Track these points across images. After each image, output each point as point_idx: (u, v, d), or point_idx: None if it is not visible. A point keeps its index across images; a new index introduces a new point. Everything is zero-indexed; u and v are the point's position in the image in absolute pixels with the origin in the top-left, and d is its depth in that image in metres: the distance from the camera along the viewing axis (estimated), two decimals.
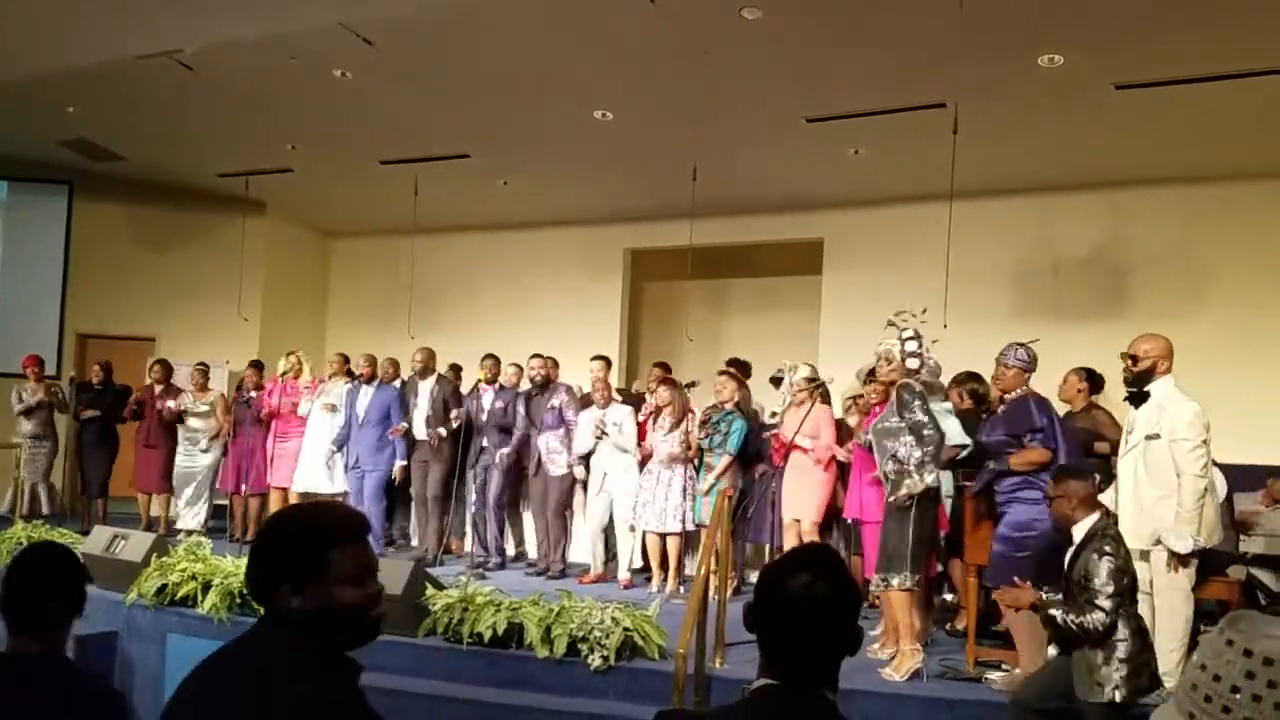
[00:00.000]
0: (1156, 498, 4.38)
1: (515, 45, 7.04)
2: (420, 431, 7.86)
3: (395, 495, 8.19)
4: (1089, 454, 5.48)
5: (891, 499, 4.87)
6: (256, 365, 9.08)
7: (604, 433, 7.24)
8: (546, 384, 7.62)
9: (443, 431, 7.74)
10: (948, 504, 5.54)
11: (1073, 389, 6.04)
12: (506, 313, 10.98)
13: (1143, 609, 4.08)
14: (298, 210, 11.65)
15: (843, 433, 6.56)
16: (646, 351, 11.29)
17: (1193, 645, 4.30)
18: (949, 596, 6.23)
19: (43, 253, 11.10)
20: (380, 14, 6.71)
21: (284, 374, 8.61)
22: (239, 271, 10.71)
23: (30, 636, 2.27)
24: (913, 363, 4.99)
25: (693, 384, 7.43)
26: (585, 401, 7.60)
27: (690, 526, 6.83)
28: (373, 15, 6.72)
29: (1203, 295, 8.38)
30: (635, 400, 7.78)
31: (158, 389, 9.02)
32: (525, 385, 7.78)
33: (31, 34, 7.32)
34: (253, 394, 8.80)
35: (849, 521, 6.17)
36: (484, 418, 7.68)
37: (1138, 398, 4.50)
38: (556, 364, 8.00)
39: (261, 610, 1.72)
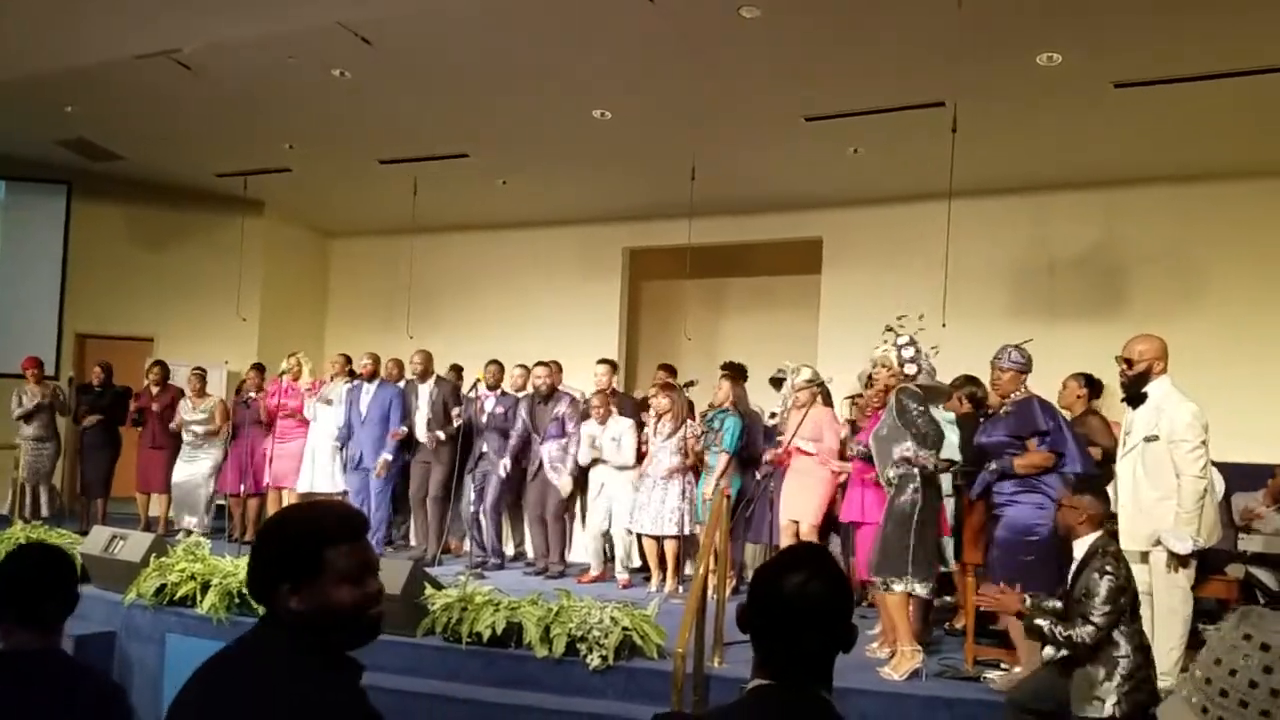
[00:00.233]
0: (1156, 499, 4.38)
1: (514, 45, 7.04)
2: (421, 434, 7.86)
3: (397, 496, 8.19)
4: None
5: (893, 480, 4.88)
6: (258, 368, 9.08)
7: (598, 457, 7.25)
8: (551, 392, 7.62)
9: (441, 435, 7.74)
10: (949, 504, 5.56)
11: (1072, 395, 6.04)
12: (505, 312, 10.98)
13: (1142, 610, 4.08)
14: (296, 210, 11.65)
15: (854, 430, 6.50)
16: (645, 351, 11.30)
17: (1192, 644, 4.31)
18: (949, 598, 6.23)
19: (41, 253, 11.09)
20: (379, 14, 6.71)
21: (282, 374, 8.62)
22: (238, 271, 10.70)
23: (27, 633, 2.27)
24: (910, 369, 4.99)
25: (691, 383, 7.42)
26: (587, 414, 7.58)
27: (688, 530, 6.82)
28: (371, 15, 6.72)
29: (1199, 294, 8.38)
30: (636, 407, 7.75)
31: (154, 390, 9.02)
32: (529, 389, 7.78)
33: (30, 34, 7.32)
34: (252, 395, 8.80)
35: (846, 524, 6.18)
36: (484, 419, 7.68)
37: (1135, 400, 4.50)
38: (561, 369, 7.99)
39: (262, 610, 1.71)
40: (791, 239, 10.17)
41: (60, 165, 10.55)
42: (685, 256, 9.67)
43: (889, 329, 5.16)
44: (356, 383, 8.18)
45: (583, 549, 7.63)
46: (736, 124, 8.07)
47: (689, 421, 7.03)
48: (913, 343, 5.04)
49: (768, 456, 6.59)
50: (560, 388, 7.78)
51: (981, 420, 5.54)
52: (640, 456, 7.25)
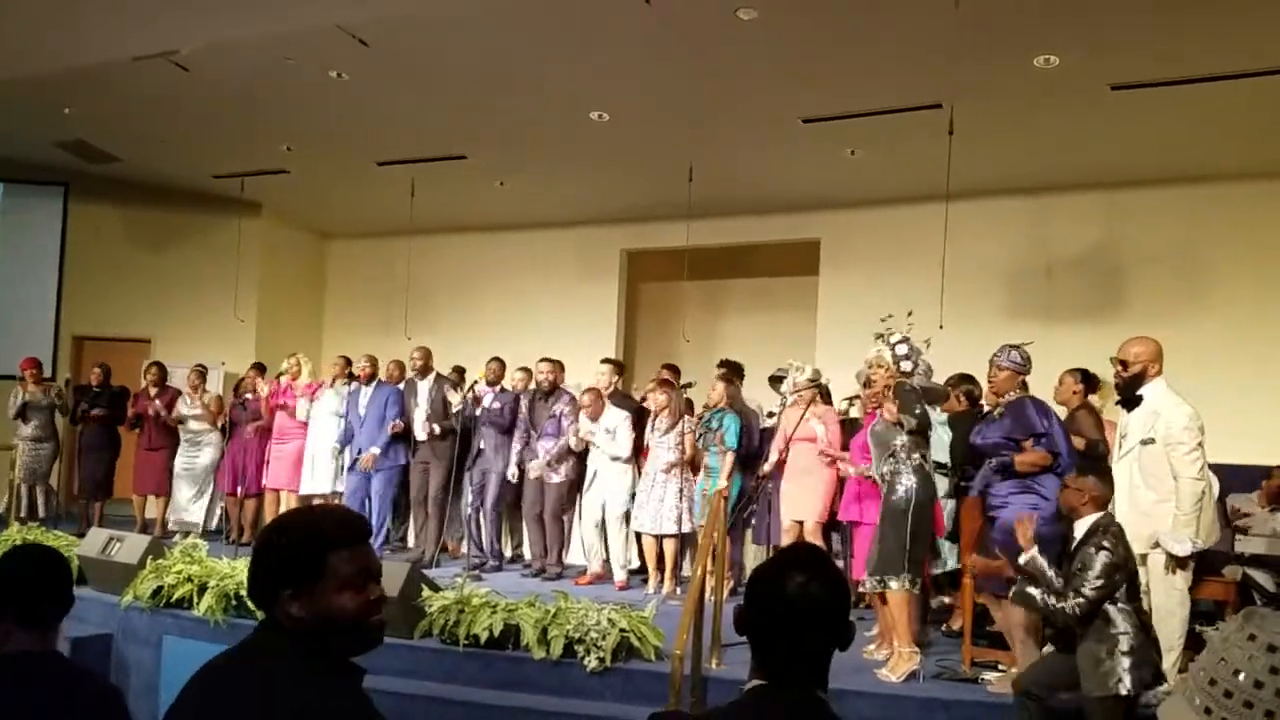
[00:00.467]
0: (1153, 501, 4.38)
1: (512, 46, 7.04)
2: (420, 432, 7.86)
3: (396, 499, 8.19)
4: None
5: (886, 476, 4.89)
6: (258, 367, 9.08)
7: (587, 445, 7.24)
8: (552, 390, 7.62)
9: (436, 429, 7.73)
10: (948, 505, 5.56)
11: (1069, 390, 6.04)
12: (503, 314, 10.98)
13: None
14: (294, 211, 11.65)
15: (852, 430, 6.50)
16: (643, 352, 11.30)
17: (1190, 645, 4.32)
18: (946, 599, 6.23)
19: (38, 254, 11.08)
20: (376, 15, 6.71)
21: (280, 375, 8.62)
22: (235, 273, 10.69)
23: (24, 635, 2.27)
24: (906, 365, 5.00)
25: (689, 384, 7.43)
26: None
27: (688, 528, 6.83)
28: (368, 16, 6.72)
29: (1199, 295, 8.39)
30: (635, 406, 7.75)
31: (153, 390, 9.02)
32: (530, 387, 7.78)
33: (28, 35, 7.32)
34: (248, 396, 8.80)
35: (845, 524, 6.18)
36: (478, 413, 7.67)
37: (1130, 402, 4.50)
38: (563, 368, 7.99)
39: (260, 616, 1.69)
40: (789, 240, 10.18)
41: (58, 167, 10.54)
42: (683, 258, 9.68)
43: (878, 336, 5.16)
44: (354, 385, 8.18)
45: (580, 549, 7.62)
46: (734, 126, 8.08)
47: (686, 417, 7.02)
48: (906, 341, 5.04)
49: (766, 468, 6.59)
50: (562, 386, 7.78)
51: (977, 418, 5.55)
52: (641, 454, 7.25)
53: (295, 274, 12.05)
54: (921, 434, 4.94)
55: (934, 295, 7.11)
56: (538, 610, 5.12)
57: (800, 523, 6.37)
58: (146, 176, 10.72)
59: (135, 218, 11.22)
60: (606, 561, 7.40)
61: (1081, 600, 3.69)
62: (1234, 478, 6.26)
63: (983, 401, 6.09)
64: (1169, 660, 4.18)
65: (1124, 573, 3.78)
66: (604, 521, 7.33)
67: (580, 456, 7.45)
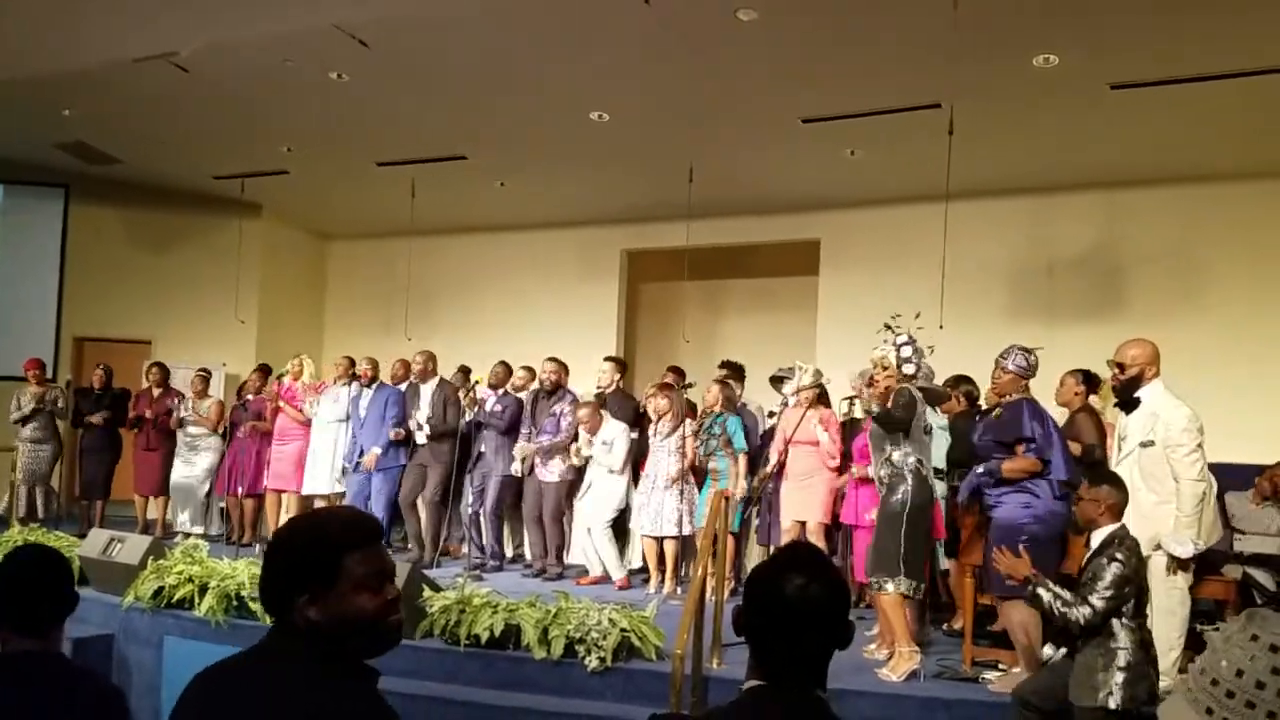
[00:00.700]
0: (1154, 503, 4.39)
1: (512, 47, 7.05)
2: (419, 436, 7.87)
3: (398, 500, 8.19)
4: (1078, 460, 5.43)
5: (884, 479, 4.90)
6: (261, 369, 9.08)
7: (587, 455, 7.26)
8: (555, 389, 7.62)
9: (426, 429, 7.75)
10: (943, 505, 5.56)
11: (1070, 392, 6.04)
12: (504, 314, 10.98)
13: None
14: (294, 212, 11.65)
15: (853, 431, 6.51)
16: (644, 353, 11.30)
17: (1190, 645, 4.32)
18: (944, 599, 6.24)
19: (39, 256, 11.09)
20: (375, 16, 6.71)
21: (281, 375, 8.62)
22: (235, 274, 10.70)
23: (26, 636, 2.27)
24: (908, 368, 5.00)
25: (689, 385, 7.43)
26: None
27: (688, 530, 6.83)
28: (368, 17, 6.72)
29: (1198, 295, 8.39)
30: (635, 407, 7.75)
31: (156, 392, 9.02)
32: (533, 386, 7.79)
33: (28, 36, 7.32)
34: (250, 397, 8.80)
35: (845, 526, 6.19)
36: (475, 414, 7.67)
37: (1128, 404, 4.51)
38: (568, 369, 8.00)
39: (271, 620, 1.67)
40: (789, 240, 10.18)
41: (58, 168, 10.55)
42: (683, 258, 9.68)
43: (886, 326, 5.16)
44: (355, 387, 8.19)
45: (580, 551, 7.63)
46: (734, 126, 8.08)
47: (687, 420, 7.02)
48: (911, 342, 5.03)
49: (766, 470, 6.59)
50: (565, 387, 7.78)
51: (978, 418, 5.55)
52: (641, 460, 7.26)
53: (296, 275, 12.05)
54: (896, 429, 4.92)
55: (934, 295, 7.11)
56: (538, 610, 5.12)
57: (802, 523, 6.38)
58: (147, 178, 10.72)
59: (136, 219, 11.22)
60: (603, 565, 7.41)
61: (1089, 610, 3.68)
62: (1230, 477, 6.25)
63: (981, 402, 6.10)
64: (1169, 660, 4.19)
65: (1133, 586, 3.76)
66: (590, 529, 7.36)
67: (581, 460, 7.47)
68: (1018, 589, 4.12)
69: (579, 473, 7.48)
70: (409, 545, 8.23)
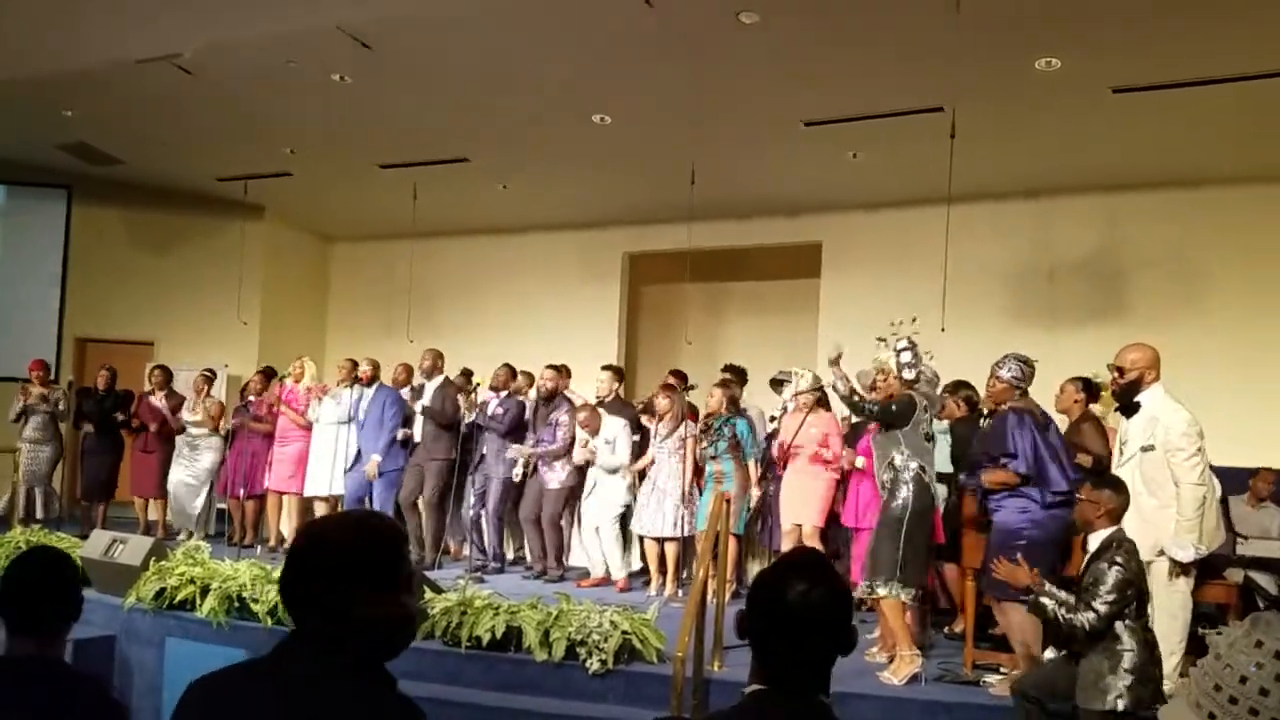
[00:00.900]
0: (1155, 507, 4.38)
1: (514, 49, 7.05)
2: (417, 433, 7.89)
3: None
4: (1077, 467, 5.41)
5: (886, 484, 4.92)
6: (265, 372, 9.08)
7: (592, 450, 7.26)
8: (553, 396, 7.62)
9: (410, 433, 7.77)
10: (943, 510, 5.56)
11: (1070, 399, 6.03)
12: (505, 316, 10.99)
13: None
14: (297, 214, 11.66)
15: (854, 433, 6.50)
16: (645, 355, 11.31)
17: (1192, 649, 4.31)
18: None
19: (41, 257, 11.10)
20: (378, 18, 6.72)
21: (283, 377, 8.63)
22: (238, 275, 10.71)
23: (28, 638, 2.27)
24: (908, 374, 4.99)
25: (690, 387, 7.43)
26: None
27: (688, 531, 6.83)
28: (370, 19, 6.73)
29: (1199, 299, 8.39)
30: (633, 414, 7.75)
31: (159, 393, 9.03)
32: (532, 394, 7.79)
33: (30, 37, 7.33)
34: (252, 399, 8.81)
35: (846, 528, 6.19)
36: (476, 416, 7.68)
37: (1129, 409, 4.50)
38: (569, 374, 7.99)
39: (290, 622, 1.64)
40: (791, 243, 10.18)
41: (60, 169, 10.56)
42: (685, 261, 9.68)
43: (881, 340, 5.16)
44: (356, 389, 8.19)
45: (581, 553, 7.63)
46: (736, 128, 8.09)
47: (688, 422, 7.02)
48: (911, 347, 5.03)
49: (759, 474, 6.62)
50: (564, 393, 7.78)
51: (977, 424, 5.56)
52: (642, 455, 7.27)
53: (298, 277, 12.07)
54: (890, 423, 4.95)
55: (936, 298, 7.11)
56: (540, 612, 5.12)
57: (799, 526, 6.37)
58: (149, 179, 10.73)
59: (138, 220, 11.24)
60: (606, 567, 7.41)
61: (1093, 615, 3.68)
62: (1231, 481, 6.26)
63: (982, 406, 6.10)
64: (1170, 664, 4.18)
65: (1135, 589, 3.77)
66: (597, 529, 7.35)
67: (581, 467, 7.46)
68: (1015, 592, 4.13)
69: (581, 478, 7.48)
70: (409, 547, 8.24)
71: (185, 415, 8.85)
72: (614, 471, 7.26)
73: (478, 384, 7.98)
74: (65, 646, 2.40)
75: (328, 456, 8.24)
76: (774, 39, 6.53)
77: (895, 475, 4.90)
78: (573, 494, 7.54)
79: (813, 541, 6.25)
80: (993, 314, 8.83)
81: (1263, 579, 5.21)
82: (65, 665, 2.36)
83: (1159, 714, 1.37)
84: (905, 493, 4.84)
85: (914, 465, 4.87)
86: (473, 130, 8.59)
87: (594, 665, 4.81)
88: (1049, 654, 4.24)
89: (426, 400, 7.86)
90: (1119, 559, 3.75)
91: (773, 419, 7.31)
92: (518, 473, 7.53)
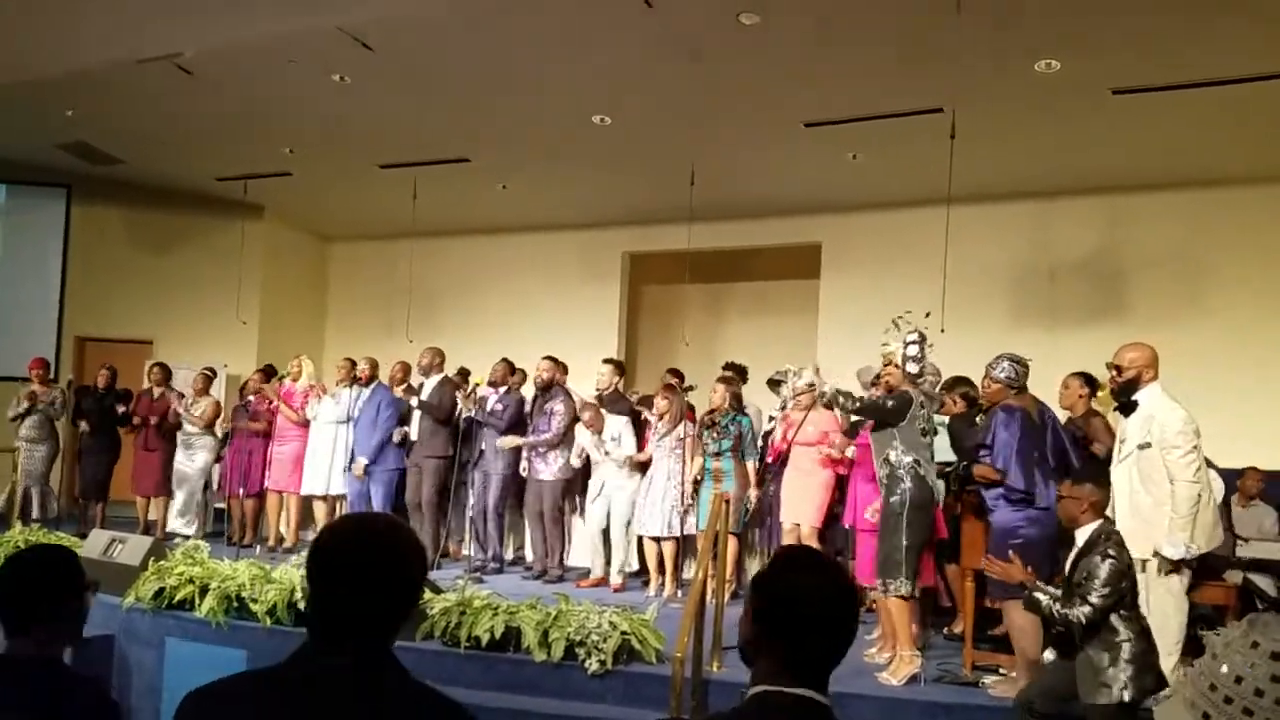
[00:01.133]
0: (1151, 505, 4.38)
1: (514, 49, 7.05)
2: (413, 431, 7.89)
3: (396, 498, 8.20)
4: (1091, 457, 5.42)
5: (884, 480, 4.93)
6: (264, 371, 9.08)
7: (606, 451, 7.25)
8: (549, 387, 7.62)
9: (408, 431, 7.77)
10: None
11: (1075, 395, 6.03)
12: (505, 316, 10.98)
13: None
14: (296, 214, 11.66)
15: (857, 431, 6.48)
16: (645, 355, 11.31)
17: (1188, 650, 4.31)
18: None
19: (41, 256, 11.10)
20: (378, 18, 6.72)
21: (282, 377, 8.63)
22: (237, 275, 10.71)
23: (26, 639, 2.25)
24: (912, 367, 5.00)
25: (689, 387, 7.43)
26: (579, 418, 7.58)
27: (690, 531, 6.83)
28: (370, 19, 6.73)
29: (1200, 299, 8.40)
30: (629, 409, 7.75)
31: (157, 391, 9.03)
32: (528, 387, 7.80)
33: (30, 37, 7.33)
34: (251, 398, 8.81)
35: (846, 528, 6.18)
36: (475, 413, 7.68)
37: (1126, 407, 4.51)
38: (566, 369, 7.99)
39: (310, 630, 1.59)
40: (791, 244, 10.18)
41: (60, 169, 10.56)
42: (685, 261, 9.69)
43: (894, 323, 5.16)
44: (354, 388, 8.20)
45: (582, 552, 7.63)
46: (736, 129, 8.09)
47: (686, 421, 7.02)
48: (919, 341, 5.03)
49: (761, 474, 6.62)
50: (561, 385, 7.77)
51: (975, 420, 5.57)
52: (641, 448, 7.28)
53: (298, 276, 12.07)
54: (877, 420, 5.01)
55: (936, 299, 7.07)
56: (539, 613, 5.12)
57: (798, 525, 6.38)
58: (149, 178, 10.73)
59: (138, 219, 11.24)
60: (608, 565, 7.41)
61: (1089, 609, 3.69)
62: (1233, 481, 6.26)
63: (981, 405, 6.10)
64: (1168, 666, 4.18)
65: (1128, 580, 3.79)
66: (607, 529, 7.34)
67: (577, 464, 7.46)
68: (1015, 590, 4.13)
69: (576, 470, 7.48)
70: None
71: (182, 413, 8.86)
72: (624, 465, 7.24)
73: (477, 383, 7.98)
74: (65, 647, 2.38)
75: (326, 455, 8.25)
76: (774, 40, 6.53)
77: (891, 470, 4.91)
78: (569, 487, 7.53)
79: (811, 542, 6.26)
80: (993, 315, 8.84)
81: (1262, 581, 5.22)
82: (64, 666, 2.34)
83: (1155, 714, 1.37)
84: (903, 487, 4.86)
85: (908, 460, 4.88)
86: (473, 130, 8.59)
87: (593, 666, 4.81)
88: (1049, 655, 4.24)
89: (425, 396, 7.86)
90: (1110, 551, 3.76)
91: (771, 418, 7.31)
92: (507, 451, 7.50)
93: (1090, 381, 6.19)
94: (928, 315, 5.19)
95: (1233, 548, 5.54)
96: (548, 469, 7.46)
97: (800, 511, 6.36)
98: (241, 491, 8.59)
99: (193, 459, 8.86)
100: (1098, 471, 4.37)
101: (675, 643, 4.43)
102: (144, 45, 7.29)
